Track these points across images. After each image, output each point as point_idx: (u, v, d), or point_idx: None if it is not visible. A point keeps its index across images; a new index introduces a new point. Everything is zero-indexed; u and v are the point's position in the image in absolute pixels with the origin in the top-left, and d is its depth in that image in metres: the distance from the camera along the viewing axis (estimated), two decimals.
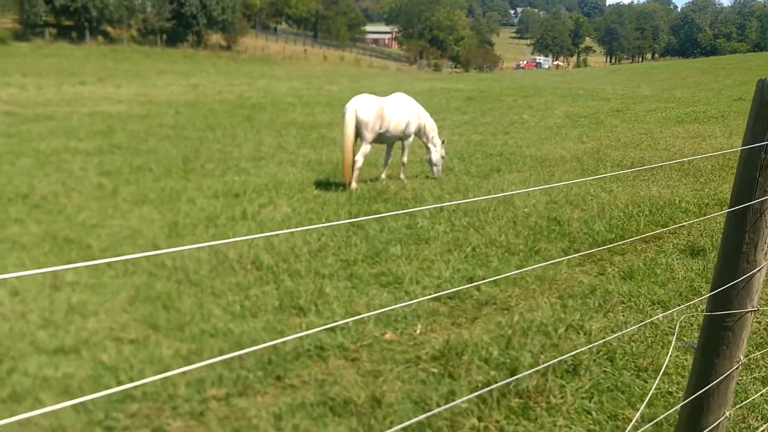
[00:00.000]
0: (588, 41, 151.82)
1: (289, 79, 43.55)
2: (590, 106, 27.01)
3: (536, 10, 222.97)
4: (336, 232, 7.00)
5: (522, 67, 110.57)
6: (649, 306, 4.75)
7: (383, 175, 10.63)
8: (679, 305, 4.71)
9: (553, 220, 7.17)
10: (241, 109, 23.25)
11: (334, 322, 4.60)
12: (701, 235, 6.52)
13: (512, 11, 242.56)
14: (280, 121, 19.94)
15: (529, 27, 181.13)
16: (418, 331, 4.44)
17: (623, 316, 4.60)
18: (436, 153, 10.80)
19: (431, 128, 10.78)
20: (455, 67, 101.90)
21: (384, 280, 5.44)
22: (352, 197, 9.02)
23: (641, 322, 4.40)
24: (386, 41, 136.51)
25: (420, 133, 10.69)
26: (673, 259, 5.82)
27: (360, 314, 4.75)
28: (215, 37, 68.70)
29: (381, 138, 10.08)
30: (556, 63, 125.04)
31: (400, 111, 10.12)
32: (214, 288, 5.27)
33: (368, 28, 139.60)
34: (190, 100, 26.15)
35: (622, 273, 5.56)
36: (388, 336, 4.35)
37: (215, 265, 5.79)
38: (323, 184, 10.04)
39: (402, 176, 10.66)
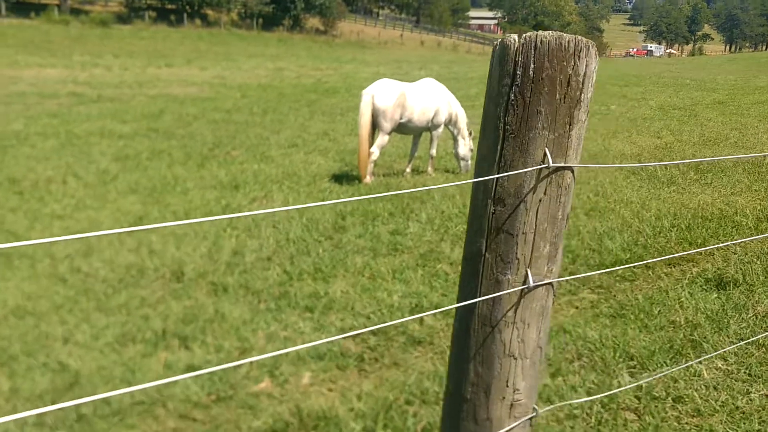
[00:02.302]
0: (706, 28, 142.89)
1: (378, 64, 42.79)
2: (692, 96, 24.76)
3: None
4: (304, 235, 6.09)
5: (631, 55, 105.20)
6: (616, 363, 3.56)
7: (408, 170, 9.60)
8: (656, 367, 3.50)
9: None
10: (310, 94, 22.65)
11: (216, 358, 3.69)
12: (740, 260, 5.16)
13: None
14: (344, 106, 19.14)
15: (644, 13, 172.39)
16: (305, 381, 3.47)
17: (566, 380, 3.43)
18: (465, 146, 9.65)
19: (462, 119, 9.64)
20: None
21: (313, 304, 4.47)
22: (359, 193, 8.07)
23: (589, 394, 3.24)
24: (491, 27, 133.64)
25: (451, 123, 9.58)
26: (689, 293, 4.54)
27: (254, 349, 3.82)
28: (312, 21, 68.88)
29: (403, 128, 9.05)
30: (668, 51, 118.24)
31: (426, 98, 9.05)
32: (104, 303, 4.47)
33: (473, 13, 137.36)
34: (264, 84, 25.83)
35: (612, 309, 4.35)
36: (262, 386, 3.40)
37: (129, 273, 5.00)
38: (340, 177, 9.14)
39: (429, 170, 9.60)
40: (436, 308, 4.40)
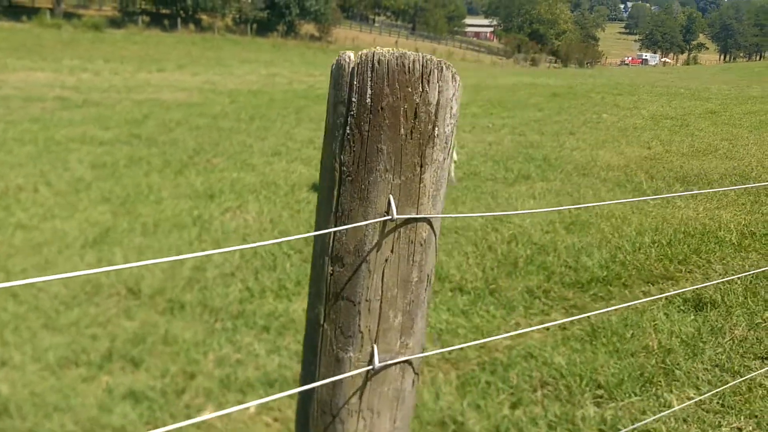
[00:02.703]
0: (701, 38, 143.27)
1: None
2: (684, 106, 24.64)
3: (647, 4, 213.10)
4: (273, 248, 5.88)
5: (626, 64, 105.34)
6: (582, 393, 3.36)
7: None
8: (624, 397, 3.31)
9: (540, 248, 5.76)
10: (300, 100, 22.46)
11: (160, 383, 3.48)
12: (720, 278, 4.97)
13: (622, 5, 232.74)
14: None
15: (639, 22, 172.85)
16: (251, 410, 3.26)
17: (526, 411, 3.23)
18: (452, 156, 9.47)
19: None
20: (554, 62, 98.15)
21: (270, 324, 4.27)
22: None
23: (550, 427, 3.05)
24: (488, 35, 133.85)
25: None
26: (665, 314, 4.35)
27: (201, 373, 3.61)
28: (307, 27, 68.79)
29: None
30: (663, 60, 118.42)
31: None
32: (52, 321, 4.25)
33: (469, 21, 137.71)
34: (254, 90, 25.64)
35: (584, 331, 4.15)
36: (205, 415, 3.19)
37: (83, 289, 4.78)
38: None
39: None
40: None
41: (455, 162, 9.49)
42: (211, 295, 4.77)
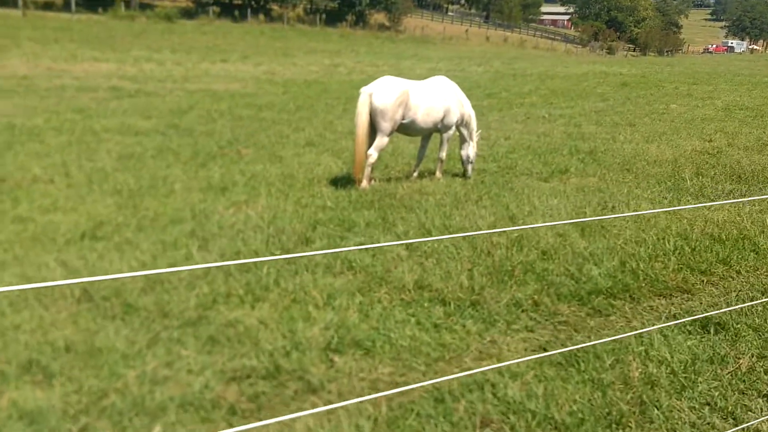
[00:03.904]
0: None
1: (438, 60, 42.06)
2: (765, 96, 23.17)
3: None
4: (261, 248, 5.54)
5: (710, 52, 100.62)
6: None
7: (415, 174, 8.95)
8: None
9: (544, 254, 5.21)
10: (354, 90, 21.88)
11: (73, 400, 3.18)
12: (739, 296, 4.33)
13: None
14: None
15: (727, 8, 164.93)
16: None
17: None
18: (474, 149, 8.96)
19: (474, 120, 8.94)
20: (632, 50, 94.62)
21: (219, 335, 3.92)
22: (348, 199, 7.48)
23: None
24: (565, 22, 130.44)
25: (463, 124, 8.88)
26: (664, 335, 3.77)
27: (116, 390, 3.28)
28: (377, 17, 68.42)
29: (407, 129, 8.41)
30: (751, 47, 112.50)
31: (433, 98, 8.37)
32: None
33: (546, 8, 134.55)
34: (311, 80, 25.50)
35: (564, 354, 3.63)
36: None
37: (39, 289, 4.55)
38: (339, 180, 8.57)
39: (438, 174, 8.92)
40: (356, 344, 3.78)
41: (468, 158, 8.95)
42: (171, 299, 4.46)
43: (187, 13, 54.00)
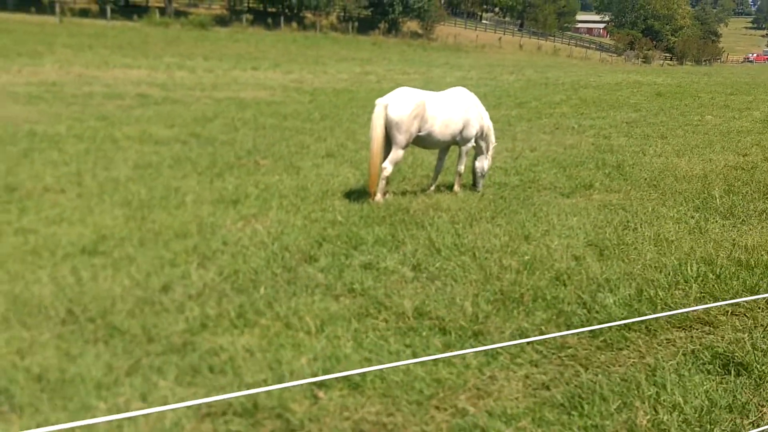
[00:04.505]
0: None
1: (469, 68, 41.71)
2: None
3: None
4: (261, 266, 5.33)
5: (750, 61, 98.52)
6: None
7: (432, 187, 8.70)
8: None
9: (556, 278, 4.91)
10: None
11: None
12: (764, 333, 3.99)
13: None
14: None
15: None
16: None
17: None
18: (488, 162, 8.71)
19: (492, 133, 8.67)
20: (668, 59, 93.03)
21: (200, 364, 3.70)
22: (360, 214, 7.24)
23: None
24: (600, 31, 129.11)
25: (481, 137, 8.60)
26: (679, 375, 3.46)
27: (82, 427, 3.08)
28: (410, 25, 68.32)
29: (424, 142, 8.17)
30: None
31: (450, 110, 8.12)
32: None
33: (582, 16, 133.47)
34: (339, 88, 25.37)
35: (566, 394, 3.34)
36: None
37: (24, 308, 4.37)
38: (354, 193, 8.36)
39: (456, 188, 8.66)
40: (345, 378, 3.53)
41: (482, 171, 8.70)
42: (158, 322, 4.26)
43: (221, 21, 54.49)
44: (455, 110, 8.17)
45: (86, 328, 4.14)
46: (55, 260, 5.50)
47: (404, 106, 7.75)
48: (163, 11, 52.98)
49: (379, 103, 7.88)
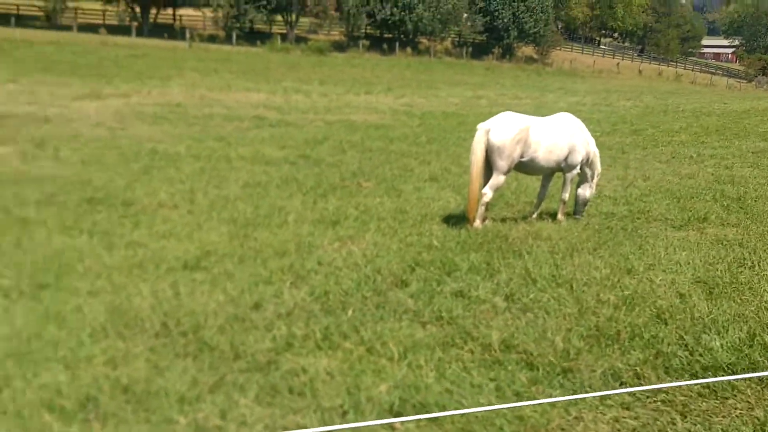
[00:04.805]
0: None
1: (584, 94, 40.74)
2: None
3: None
4: (352, 288, 5.34)
5: None
6: None
7: (534, 215, 8.48)
8: None
9: (657, 316, 4.63)
10: None
11: None
12: None
13: None
14: None
15: None
16: None
17: None
18: (592, 189, 8.42)
19: (598, 160, 8.38)
20: None
21: (281, 385, 3.72)
22: (457, 239, 7.15)
23: None
24: (729, 56, 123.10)
25: (587, 164, 8.33)
26: None
27: None
28: (525, 50, 67.68)
29: (526, 168, 8.01)
30: None
31: (556, 135, 7.92)
32: (72, 353, 4.03)
33: (709, 41, 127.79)
34: (449, 112, 25.39)
35: None
36: None
37: (121, 320, 4.57)
38: (453, 218, 8.29)
39: (560, 216, 8.40)
40: (424, 408, 3.45)
41: (585, 200, 8.45)
42: (247, 340, 4.34)
43: (339, 47, 56.00)
44: (560, 136, 7.96)
45: (177, 342, 4.28)
46: (158, 274, 5.74)
47: (506, 131, 7.62)
48: (284, 37, 55.08)
49: (481, 127, 7.79)
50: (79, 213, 7.86)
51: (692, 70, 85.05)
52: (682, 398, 3.64)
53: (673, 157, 15.47)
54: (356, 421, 3.30)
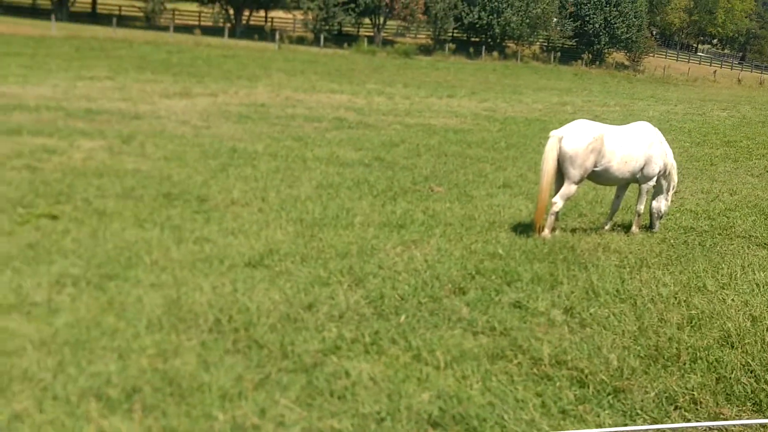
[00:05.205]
0: None
1: (676, 102, 39.27)
2: None
3: None
4: (409, 293, 5.31)
5: None
6: None
7: (607, 226, 8.22)
8: None
9: (724, 338, 4.38)
10: None
11: None
12: None
13: None
14: None
15: None
16: None
17: None
18: (667, 202, 8.08)
19: (675, 172, 8.05)
20: None
21: (323, 388, 3.72)
22: (523, 248, 7.01)
23: None
24: None
25: (664, 176, 8.01)
26: None
27: None
28: (616, 56, 65.84)
29: (600, 178, 7.78)
30: None
31: (631, 145, 7.65)
32: (127, 343, 4.16)
33: None
34: (531, 118, 24.95)
35: None
36: None
37: (177, 314, 4.68)
38: (521, 226, 8.13)
39: (634, 229, 8.12)
40: (463, 421, 3.38)
41: (659, 212, 8.10)
42: (298, 339, 4.37)
43: (425, 50, 56.04)
44: (636, 146, 7.69)
45: (228, 338, 4.35)
46: (221, 270, 5.86)
47: (580, 140, 7.41)
48: (371, 40, 55.53)
49: (554, 135, 7.62)
50: (155, 207, 8.12)
51: None
52: (740, 427, 3.43)
53: (767, 171, 14.71)
54: (392, 428, 3.26)
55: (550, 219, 7.58)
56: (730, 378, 3.90)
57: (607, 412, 3.55)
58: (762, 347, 4.30)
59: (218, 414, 3.41)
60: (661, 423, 3.46)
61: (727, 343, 4.38)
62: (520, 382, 3.85)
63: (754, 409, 3.58)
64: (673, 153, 8.19)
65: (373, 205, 9.22)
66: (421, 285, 5.60)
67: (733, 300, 5.23)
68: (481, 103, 30.68)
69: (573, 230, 8.03)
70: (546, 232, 7.55)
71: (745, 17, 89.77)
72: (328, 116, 20.39)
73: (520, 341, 4.41)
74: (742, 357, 4.16)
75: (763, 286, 5.68)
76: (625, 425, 3.44)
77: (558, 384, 3.83)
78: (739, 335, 4.48)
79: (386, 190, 10.25)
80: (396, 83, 37.25)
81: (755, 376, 3.94)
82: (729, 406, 3.63)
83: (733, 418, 3.49)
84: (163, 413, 3.40)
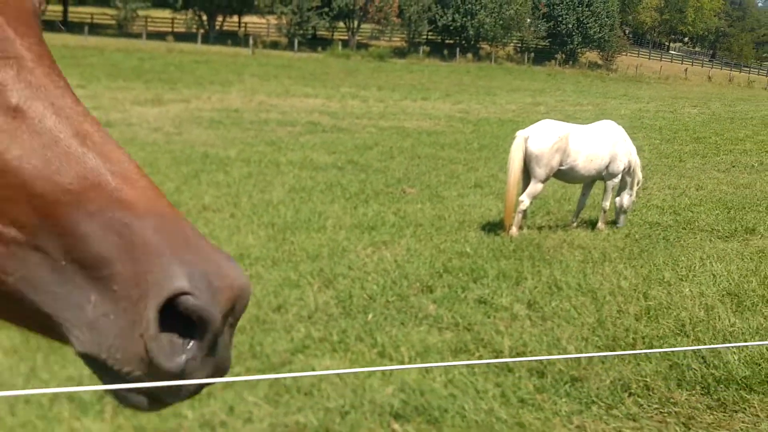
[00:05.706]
0: None
1: (648, 100, 39.85)
2: None
3: None
4: (376, 292, 5.43)
5: None
6: None
7: (574, 224, 8.40)
8: None
9: (678, 328, 4.55)
10: None
11: None
12: None
13: None
14: None
15: None
16: None
17: None
18: (632, 198, 8.29)
19: (639, 169, 8.26)
20: None
21: (289, 385, 3.83)
22: (490, 246, 7.16)
23: None
24: None
25: (629, 173, 8.22)
26: None
27: None
28: (589, 55, 66.58)
29: (566, 177, 7.96)
30: None
31: (596, 144, 7.84)
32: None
33: None
34: (505, 119, 25.24)
35: None
36: None
37: None
38: (491, 225, 8.28)
39: (600, 225, 8.30)
40: (426, 412, 3.50)
41: (623, 207, 8.30)
42: (267, 341, 4.46)
43: (400, 53, 56.25)
44: (601, 144, 7.88)
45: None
46: None
47: (545, 139, 7.58)
48: (346, 44, 55.65)
49: (520, 135, 7.79)
50: None
51: (766, 76, 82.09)
52: (690, 410, 3.58)
53: (733, 166, 15.03)
54: (356, 421, 3.38)
55: (518, 217, 7.74)
56: (682, 365, 4.06)
57: (564, 400, 3.69)
58: (713, 335, 4.48)
59: (187, 412, 3.50)
60: (615, 409, 3.61)
61: (682, 332, 4.55)
62: (481, 374, 3.98)
63: (703, 392, 3.74)
64: (644, 150, 8.42)
65: (345, 207, 9.34)
66: (389, 284, 5.71)
67: (690, 291, 5.42)
68: (455, 105, 30.91)
69: (540, 227, 8.21)
70: (514, 230, 7.70)
71: (714, 16, 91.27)
72: (301, 120, 20.48)
73: (482, 335, 4.54)
74: (694, 344, 4.33)
75: (720, 277, 5.87)
76: (580, 412, 3.58)
77: (517, 375, 3.97)
78: (693, 324, 4.65)
79: (359, 193, 10.38)
80: (370, 86, 37.40)
81: (705, 362, 4.10)
82: (679, 390, 3.78)
83: (683, 403, 3.64)
84: (134, 413, 3.48)
